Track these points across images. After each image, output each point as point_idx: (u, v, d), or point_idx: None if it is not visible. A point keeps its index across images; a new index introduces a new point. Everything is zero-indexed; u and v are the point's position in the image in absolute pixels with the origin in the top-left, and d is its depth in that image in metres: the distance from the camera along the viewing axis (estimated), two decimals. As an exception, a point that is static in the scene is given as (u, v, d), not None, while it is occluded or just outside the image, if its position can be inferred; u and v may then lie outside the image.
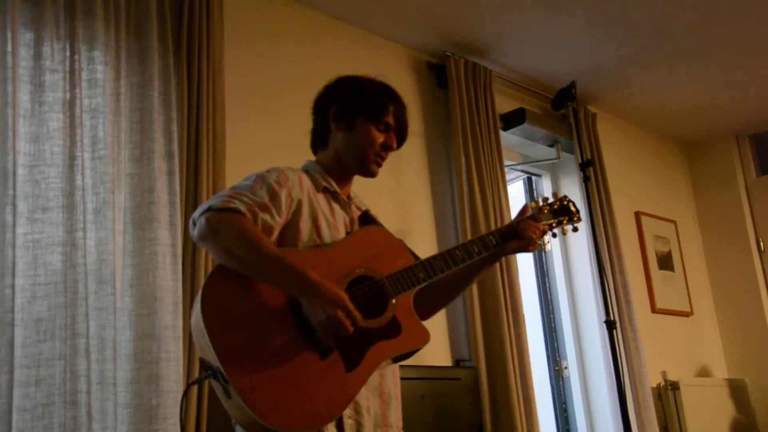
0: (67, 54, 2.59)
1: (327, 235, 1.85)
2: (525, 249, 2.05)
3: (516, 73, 4.41)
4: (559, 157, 4.63)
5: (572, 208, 2.21)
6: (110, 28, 2.70)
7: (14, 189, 2.32)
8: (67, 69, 2.58)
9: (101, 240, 2.52)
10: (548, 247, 4.66)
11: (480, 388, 3.48)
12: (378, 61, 3.86)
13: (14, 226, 2.30)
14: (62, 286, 2.38)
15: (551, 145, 4.61)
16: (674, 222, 5.34)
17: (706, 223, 5.64)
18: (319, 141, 2.05)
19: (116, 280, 2.53)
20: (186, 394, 1.71)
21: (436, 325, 3.63)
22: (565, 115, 4.54)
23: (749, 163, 5.59)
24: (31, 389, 2.27)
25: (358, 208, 2.04)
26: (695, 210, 5.69)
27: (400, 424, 1.89)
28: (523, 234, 2.04)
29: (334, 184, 1.98)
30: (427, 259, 1.91)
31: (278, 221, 1.78)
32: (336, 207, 1.96)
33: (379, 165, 2.01)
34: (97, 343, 2.43)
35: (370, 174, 2.01)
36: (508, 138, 4.38)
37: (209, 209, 1.71)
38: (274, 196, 1.78)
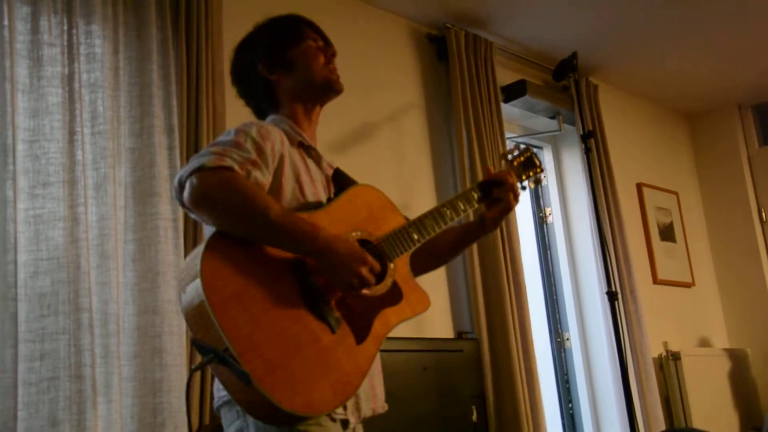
0: (65, 28, 2.58)
1: (309, 194, 1.75)
2: (508, 207, 1.98)
3: (517, 45, 4.38)
4: (560, 129, 4.61)
5: (536, 161, 2.15)
6: (107, 2, 2.68)
7: (14, 164, 2.32)
8: (65, 43, 2.57)
9: (102, 215, 2.52)
10: (550, 219, 4.66)
11: (482, 359, 3.50)
12: (377, 33, 3.84)
13: (15, 201, 2.30)
14: (64, 261, 2.39)
15: (552, 117, 4.59)
16: (676, 193, 5.34)
17: (708, 194, 5.63)
18: (268, 104, 1.92)
19: (118, 255, 2.53)
20: (190, 381, 1.63)
21: (438, 297, 3.64)
22: (566, 86, 4.52)
23: (752, 133, 5.57)
24: (36, 363, 2.29)
25: (329, 165, 1.92)
26: (697, 181, 5.68)
27: (384, 396, 1.81)
28: (500, 195, 1.97)
29: (306, 136, 1.86)
30: (418, 219, 1.85)
31: (268, 178, 1.66)
32: (310, 163, 1.84)
33: (337, 75, 1.91)
34: (100, 317, 2.44)
35: (336, 88, 1.91)
36: (509, 110, 4.36)
37: (200, 169, 1.54)
38: (260, 150, 1.65)
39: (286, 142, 1.78)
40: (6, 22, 2.40)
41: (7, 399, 2.17)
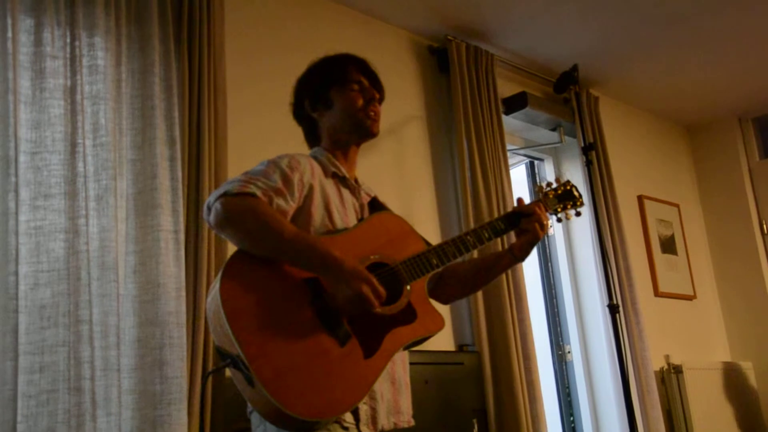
0: (68, 40, 2.58)
1: (339, 222, 1.86)
2: (536, 238, 2.04)
3: (518, 57, 4.39)
4: (561, 141, 4.61)
5: (575, 193, 2.22)
6: (110, 14, 2.69)
7: (16, 176, 2.32)
8: (68, 55, 2.57)
9: (104, 227, 2.52)
10: (551, 231, 4.66)
11: (483, 372, 3.49)
12: (379, 46, 3.84)
13: (17, 213, 2.30)
14: (65, 272, 2.38)
15: (553, 129, 4.60)
16: (677, 205, 5.33)
17: (709, 207, 5.63)
18: (313, 138, 2.08)
19: (119, 267, 2.53)
20: (205, 382, 1.71)
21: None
22: (567, 98, 4.53)
23: (752, 146, 5.57)
24: (36, 376, 2.28)
25: (367, 194, 2.05)
26: (698, 193, 5.68)
27: (411, 411, 1.90)
28: (526, 227, 2.04)
29: (342, 168, 1.99)
30: (440, 245, 1.93)
31: (292, 206, 1.80)
32: (345, 192, 1.97)
33: (375, 120, 2.02)
34: (100, 329, 2.43)
35: (370, 131, 2.01)
36: (511, 122, 4.36)
37: (225, 194, 1.71)
38: (287, 180, 1.79)
39: (319, 173, 1.91)
40: (9, 35, 2.41)
41: (6, 411, 2.16)
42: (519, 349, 3.63)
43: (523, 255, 2.07)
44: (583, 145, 3.80)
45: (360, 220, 1.94)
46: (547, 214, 2.14)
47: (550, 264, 4.64)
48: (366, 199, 2.03)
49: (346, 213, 1.91)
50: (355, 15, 3.80)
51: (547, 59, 4.44)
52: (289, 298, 1.69)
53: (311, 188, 1.85)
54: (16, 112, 2.38)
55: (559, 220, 2.21)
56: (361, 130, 2.01)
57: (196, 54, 2.88)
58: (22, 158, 2.40)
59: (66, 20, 2.59)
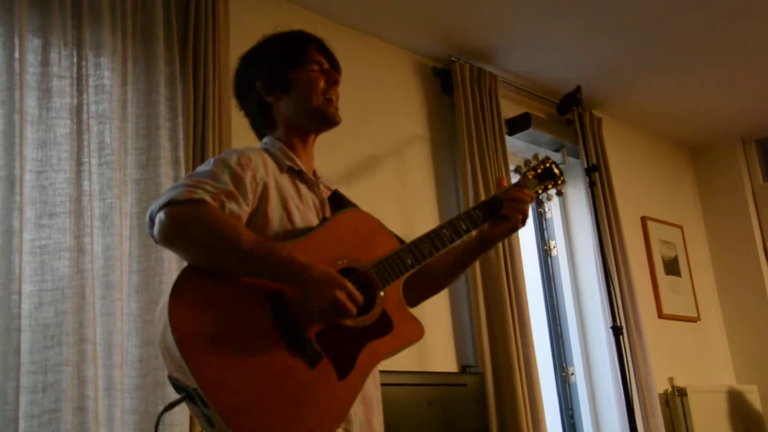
0: (74, 60, 2.61)
1: (299, 221, 1.66)
2: (515, 228, 1.88)
3: (521, 78, 4.41)
4: (564, 162, 4.62)
5: (555, 171, 2.01)
6: (117, 35, 2.72)
7: (21, 195, 2.33)
8: (74, 75, 2.59)
9: (108, 245, 2.52)
10: (554, 252, 4.65)
11: (486, 394, 3.47)
12: (383, 66, 3.86)
13: (21, 231, 2.30)
14: (69, 291, 2.38)
15: (557, 150, 4.61)
16: (681, 227, 5.33)
17: (713, 228, 5.62)
18: (263, 123, 1.85)
19: (123, 286, 2.53)
20: (159, 421, 1.51)
21: (442, 330, 3.62)
22: (570, 120, 4.54)
23: (756, 167, 5.57)
24: (38, 395, 2.27)
25: (327, 188, 1.85)
26: (702, 215, 5.67)
27: (383, 429, 1.72)
28: (508, 213, 1.85)
29: (298, 161, 1.78)
30: (414, 242, 1.74)
31: (246, 209, 1.59)
32: (303, 188, 1.77)
33: (335, 106, 1.82)
34: (104, 348, 2.43)
35: (331, 119, 1.81)
36: (514, 143, 4.37)
37: (169, 203, 1.49)
38: (238, 181, 1.59)
39: (273, 169, 1.72)
40: (17, 55, 2.42)
41: None
42: (522, 370, 3.61)
43: (495, 243, 1.88)
44: (586, 166, 3.81)
45: (324, 219, 1.73)
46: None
47: (553, 285, 4.62)
48: (326, 194, 1.82)
49: (306, 211, 1.71)
50: (360, 36, 3.82)
51: (550, 80, 4.45)
52: (248, 318, 1.48)
53: (266, 186, 1.64)
54: (23, 131, 2.39)
55: (539, 202, 2.02)
56: (323, 118, 1.80)
57: (201, 74, 2.90)
58: (27, 177, 2.41)
59: (73, 40, 2.61)
